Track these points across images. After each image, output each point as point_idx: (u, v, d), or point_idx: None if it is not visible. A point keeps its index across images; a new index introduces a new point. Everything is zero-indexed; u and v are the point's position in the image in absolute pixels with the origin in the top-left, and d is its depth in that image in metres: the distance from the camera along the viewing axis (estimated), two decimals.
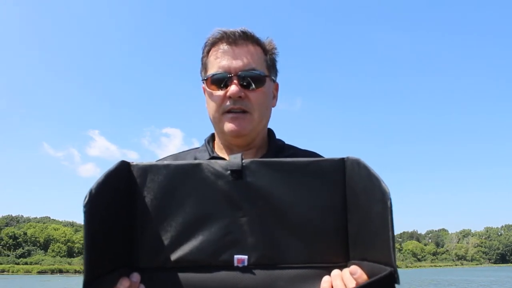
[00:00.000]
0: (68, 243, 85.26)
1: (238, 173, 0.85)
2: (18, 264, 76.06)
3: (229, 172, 0.85)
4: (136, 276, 0.81)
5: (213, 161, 0.87)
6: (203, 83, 1.21)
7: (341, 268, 0.81)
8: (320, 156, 1.13)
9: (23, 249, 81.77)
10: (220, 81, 1.14)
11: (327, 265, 0.82)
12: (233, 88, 1.12)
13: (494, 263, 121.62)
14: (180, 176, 0.85)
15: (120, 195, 0.81)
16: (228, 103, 1.14)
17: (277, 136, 1.29)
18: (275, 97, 1.26)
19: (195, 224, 0.84)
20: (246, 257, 0.83)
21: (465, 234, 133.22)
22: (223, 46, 1.16)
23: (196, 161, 0.87)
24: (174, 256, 0.83)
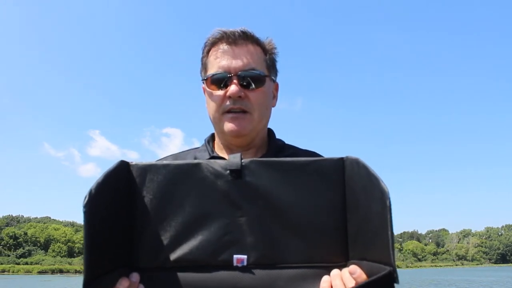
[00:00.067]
0: (69, 243, 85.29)
1: (237, 172, 0.85)
2: (18, 264, 76.09)
3: (228, 171, 0.85)
4: (135, 276, 0.81)
5: (212, 160, 0.87)
6: (203, 83, 1.21)
7: (340, 267, 0.81)
8: (320, 156, 1.13)
9: (23, 249, 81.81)
10: (220, 81, 1.14)
11: (327, 264, 0.82)
12: (233, 88, 1.12)
13: (495, 263, 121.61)
14: (180, 176, 0.85)
15: (119, 195, 0.81)
16: (228, 103, 1.14)
17: (278, 136, 1.29)
18: (275, 97, 1.26)
19: (194, 224, 0.84)
20: (245, 256, 0.83)
21: (466, 234, 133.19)
22: (223, 46, 1.16)
23: (196, 161, 0.87)
24: (173, 256, 0.83)
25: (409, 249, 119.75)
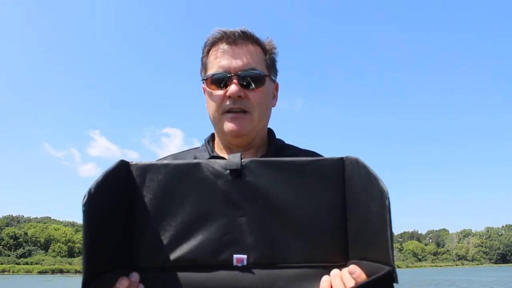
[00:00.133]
0: (69, 243, 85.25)
1: (237, 172, 0.85)
2: (18, 264, 76.08)
3: (228, 171, 0.85)
4: (135, 276, 0.81)
5: (212, 160, 0.87)
6: (203, 83, 1.21)
7: (340, 267, 0.81)
8: (320, 156, 1.12)
9: (23, 249, 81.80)
10: (220, 81, 1.14)
11: (327, 264, 0.82)
12: (232, 88, 1.12)
13: (495, 263, 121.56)
14: (180, 176, 0.85)
15: (119, 195, 0.81)
16: (228, 102, 1.14)
17: (278, 136, 1.29)
18: (275, 97, 1.26)
19: (194, 224, 0.84)
20: (245, 256, 0.83)
21: (466, 234, 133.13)
22: (223, 46, 1.16)
23: (196, 161, 0.87)
24: (173, 256, 0.83)
25: (409, 249, 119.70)
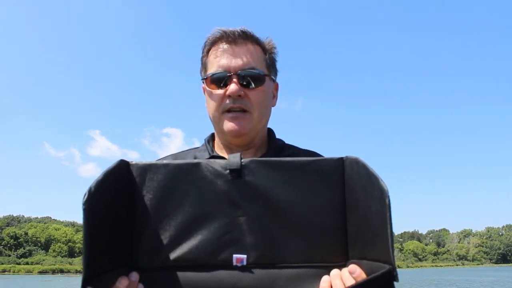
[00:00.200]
0: (69, 243, 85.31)
1: (237, 172, 0.85)
2: (19, 264, 76.15)
3: (228, 171, 0.85)
4: (135, 276, 0.81)
5: (212, 160, 0.87)
6: (203, 82, 1.21)
7: (340, 267, 0.81)
8: (320, 156, 1.13)
9: (24, 249, 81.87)
10: (219, 80, 1.14)
11: (327, 264, 0.82)
12: (232, 87, 1.12)
13: (495, 263, 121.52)
14: (179, 176, 0.85)
15: (119, 194, 0.81)
16: (227, 102, 1.14)
17: (278, 136, 1.29)
18: (275, 96, 1.26)
19: (194, 223, 0.84)
20: (245, 256, 0.83)
21: (466, 234, 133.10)
22: (223, 45, 1.16)
23: (195, 160, 0.87)
24: (173, 255, 0.83)
25: (409, 249, 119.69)
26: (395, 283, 0.68)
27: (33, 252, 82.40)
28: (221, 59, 1.15)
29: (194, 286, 0.82)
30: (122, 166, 0.83)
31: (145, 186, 0.85)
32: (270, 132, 1.28)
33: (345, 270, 0.79)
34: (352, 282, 0.75)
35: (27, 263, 76.75)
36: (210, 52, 1.19)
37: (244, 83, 1.13)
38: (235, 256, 0.83)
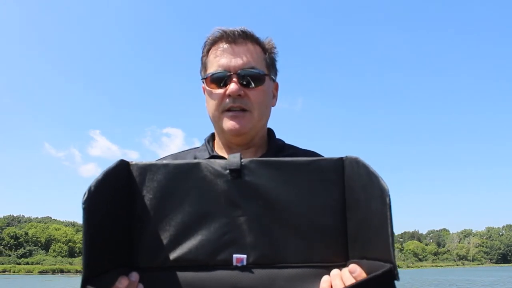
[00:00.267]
0: (69, 243, 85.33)
1: (237, 172, 0.85)
2: (19, 264, 76.16)
3: (228, 171, 0.85)
4: (134, 275, 0.81)
5: (212, 160, 0.87)
6: (203, 82, 1.21)
7: (340, 267, 0.81)
8: (320, 156, 1.13)
9: (24, 249, 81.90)
10: (219, 80, 1.14)
11: (327, 264, 0.82)
12: (232, 86, 1.12)
13: (496, 263, 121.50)
14: (179, 176, 0.85)
15: (119, 194, 0.81)
16: (227, 101, 1.14)
17: (278, 136, 1.29)
18: (275, 96, 1.26)
19: (194, 223, 0.84)
20: (245, 256, 0.83)
21: (467, 234, 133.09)
22: (223, 45, 1.16)
23: (195, 160, 0.87)
24: (173, 256, 0.83)
25: (410, 249, 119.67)
26: (395, 282, 0.68)
27: (33, 252, 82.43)
28: (221, 59, 1.15)
29: (194, 286, 0.82)
30: (122, 166, 0.83)
31: (145, 186, 0.85)
32: (270, 132, 1.28)
33: (345, 270, 0.79)
34: (352, 281, 0.75)
35: (27, 263, 76.78)
36: (210, 51, 1.19)
37: (244, 82, 1.13)
38: (235, 256, 0.83)
